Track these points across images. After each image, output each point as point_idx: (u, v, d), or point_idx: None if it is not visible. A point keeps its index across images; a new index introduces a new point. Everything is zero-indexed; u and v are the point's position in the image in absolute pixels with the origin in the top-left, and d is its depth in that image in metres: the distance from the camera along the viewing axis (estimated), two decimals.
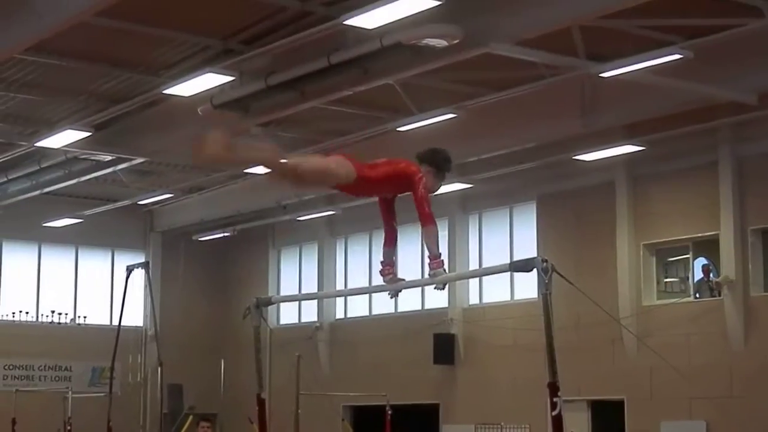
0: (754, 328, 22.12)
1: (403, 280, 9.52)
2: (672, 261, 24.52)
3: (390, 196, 9.10)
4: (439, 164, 8.84)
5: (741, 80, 18.21)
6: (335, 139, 22.93)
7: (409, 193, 8.69)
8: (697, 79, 17.84)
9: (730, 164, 22.42)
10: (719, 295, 22.75)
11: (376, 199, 9.15)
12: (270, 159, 8.79)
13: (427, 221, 8.63)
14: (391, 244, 9.23)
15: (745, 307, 22.29)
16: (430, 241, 8.74)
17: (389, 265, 9.19)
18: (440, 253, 8.79)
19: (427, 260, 8.87)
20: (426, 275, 9.00)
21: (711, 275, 23.30)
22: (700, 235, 23.31)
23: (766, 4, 15.72)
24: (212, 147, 8.42)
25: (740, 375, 21.92)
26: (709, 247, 23.30)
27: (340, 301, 30.61)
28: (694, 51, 16.68)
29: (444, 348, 27.21)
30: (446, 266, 8.86)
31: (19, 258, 31.26)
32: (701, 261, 23.69)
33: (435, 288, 9.05)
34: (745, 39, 16.91)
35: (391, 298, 9.66)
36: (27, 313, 31.23)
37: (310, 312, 30.90)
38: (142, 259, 29.64)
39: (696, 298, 23.77)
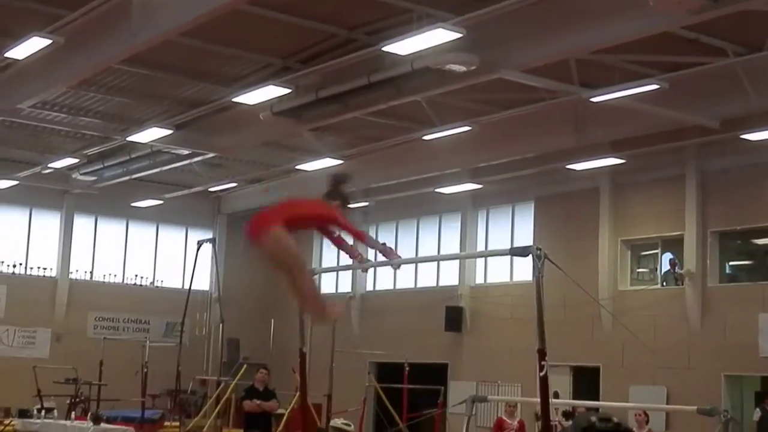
0: (709, 313, 22.06)
1: (370, 260, 9.25)
2: (644, 254, 24.43)
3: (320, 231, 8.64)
4: (344, 199, 8.47)
5: (707, 108, 18.13)
6: (371, 144, 22.95)
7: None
8: (670, 106, 17.78)
9: (695, 177, 22.34)
10: (682, 284, 22.67)
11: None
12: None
13: (360, 237, 8.34)
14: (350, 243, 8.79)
15: (703, 295, 22.22)
16: (373, 244, 8.47)
17: (355, 251, 8.89)
18: (384, 243, 8.51)
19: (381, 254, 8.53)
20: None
21: (676, 268, 23.20)
22: (668, 234, 23.23)
23: (731, 46, 15.69)
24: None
25: (696, 350, 21.85)
26: (675, 245, 23.21)
27: (370, 276, 30.64)
28: (669, 83, 16.63)
29: (454, 318, 27.22)
30: (397, 252, 8.55)
31: (111, 231, 31.40)
32: (668, 255, 23.58)
33: (393, 267, 8.77)
34: (712, 74, 16.87)
35: (396, 269, 9.51)
36: (115, 275, 31.40)
37: (345, 284, 30.95)
38: (210, 236, 29.75)
39: (662, 286, 23.68)
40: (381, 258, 8.60)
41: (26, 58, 15.98)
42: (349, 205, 8.50)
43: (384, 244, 8.44)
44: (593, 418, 1.77)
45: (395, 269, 8.91)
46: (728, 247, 22.84)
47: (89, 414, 21.51)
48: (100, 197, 29.03)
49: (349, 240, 8.57)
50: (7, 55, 16.09)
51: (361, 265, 8.98)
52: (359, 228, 8.31)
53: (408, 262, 8.75)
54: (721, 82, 17.11)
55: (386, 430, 20.71)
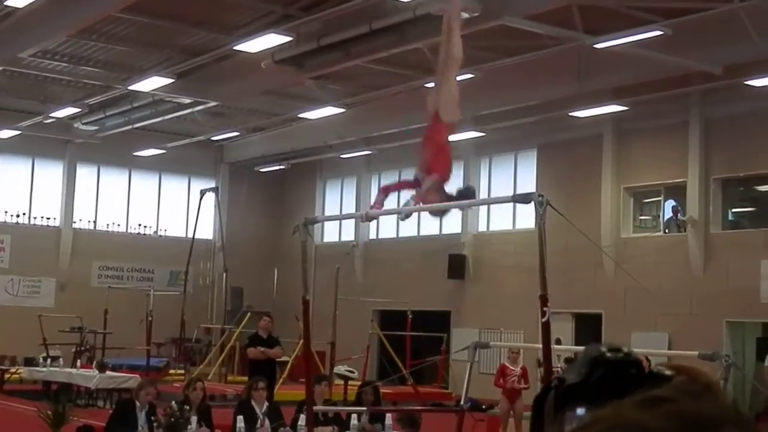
0: (712, 259, 22.10)
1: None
2: (647, 202, 24.45)
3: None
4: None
5: (710, 54, 18.02)
6: (373, 92, 22.86)
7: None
8: (673, 52, 17.68)
9: (698, 124, 22.29)
10: (684, 231, 22.71)
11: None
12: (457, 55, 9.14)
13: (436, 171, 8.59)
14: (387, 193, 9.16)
15: (706, 242, 22.25)
16: (428, 185, 8.69)
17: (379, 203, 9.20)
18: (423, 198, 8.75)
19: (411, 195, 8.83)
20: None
21: (678, 215, 23.23)
22: (671, 181, 23.23)
23: None
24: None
25: (698, 297, 21.91)
26: (677, 192, 23.22)
27: (373, 224, 30.65)
28: (672, 29, 16.54)
29: (456, 266, 27.29)
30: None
31: (113, 181, 31.40)
32: (671, 202, 23.61)
33: (400, 218, 9.18)
34: (715, 20, 16.76)
35: (402, 221, 9.80)
36: (119, 225, 31.45)
37: (348, 233, 30.99)
38: (213, 185, 29.81)
39: (665, 233, 23.72)
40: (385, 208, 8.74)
41: (26, 6, 15.89)
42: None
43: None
44: (603, 348, 1.76)
45: (402, 220, 9.13)
46: (731, 193, 22.84)
47: (94, 362, 21.67)
48: (103, 147, 28.99)
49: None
50: (7, 3, 15.99)
51: (367, 213, 9.14)
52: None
53: (410, 210, 8.83)
54: (724, 27, 16.99)
55: (389, 377, 20.84)
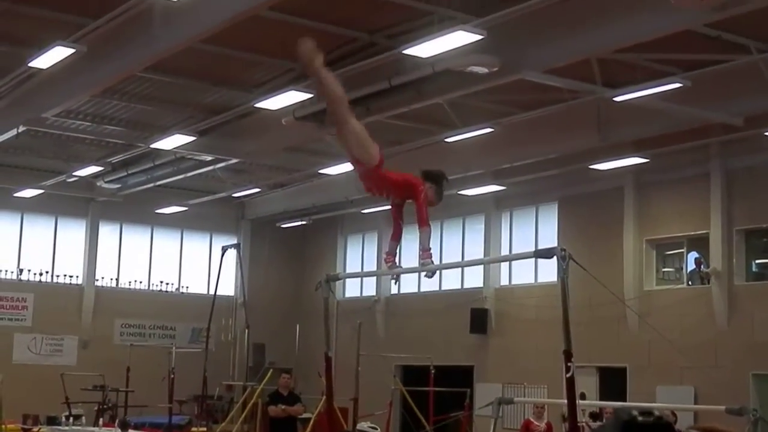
0: (736, 311, 21.92)
1: (400, 266, 9.48)
2: (669, 254, 24.31)
3: (397, 201, 8.85)
4: (439, 182, 8.68)
5: (730, 105, 18.02)
6: (394, 147, 22.91)
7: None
8: (693, 104, 17.69)
9: (719, 175, 22.23)
10: (708, 283, 22.54)
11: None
12: (337, 96, 8.72)
13: (423, 224, 8.51)
14: (395, 238, 9.08)
15: (729, 293, 22.08)
16: (425, 238, 8.61)
17: (391, 254, 9.09)
18: (431, 248, 8.67)
19: (419, 252, 8.74)
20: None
21: (701, 266, 23.08)
22: (693, 233, 23.11)
23: (753, 43, 15.60)
24: (309, 49, 8.42)
25: (724, 349, 21.71)
26: (700, 243, 23.09)
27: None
28: (691, 81, 16.56)
29: (479, 320, 27.16)
30: (434, 258, 8.75)
31: (136, 238, 31.50)
32: (694, 254, 23.47)
33: (425, 276, 9.02)
34: (735, 71, 16.77)
35: (429, 278, 9.62)
36: (141, 282, 31.49)
37: (369, 288, 30.93)
38: (234, 242, 29.78)
39: (688, 285, 23.55)
40: (407, 264, 8.72)
41: (50, 67, 16.06)
42: (441, 194, 8.60)
43: (430, 248, 8.65)
44: (634, 412, 1.76)
45: (429, 277, 9.05)
46: (754, 245, 22.70)
47: (117, 420, 21.58)
48: (125, 205, 29.14)
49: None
50: (31, 64, 16.17)
51: (390, 271, 9.07)
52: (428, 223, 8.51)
53: (436, 268, 8.78)
54: (744, 79, 17.00)
55: None
